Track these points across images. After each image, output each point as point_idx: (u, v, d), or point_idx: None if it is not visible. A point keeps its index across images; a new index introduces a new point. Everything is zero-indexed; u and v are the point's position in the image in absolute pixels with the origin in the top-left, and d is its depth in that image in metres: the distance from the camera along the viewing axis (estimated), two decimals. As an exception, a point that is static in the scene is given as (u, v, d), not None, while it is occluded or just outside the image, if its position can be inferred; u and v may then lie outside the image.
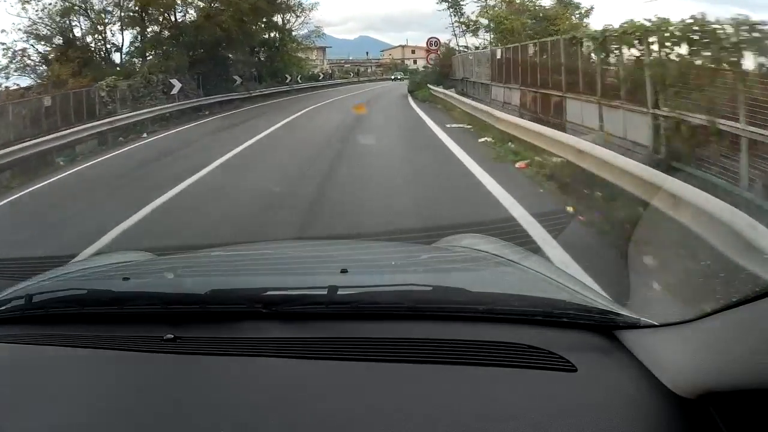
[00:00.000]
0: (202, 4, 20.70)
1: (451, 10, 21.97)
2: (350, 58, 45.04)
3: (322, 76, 32.36)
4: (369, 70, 43.24)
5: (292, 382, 0.87)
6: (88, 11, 18.59)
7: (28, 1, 17.24)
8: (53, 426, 0.82)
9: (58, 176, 8.88)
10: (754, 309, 0.66)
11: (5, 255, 3.88)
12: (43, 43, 18.10)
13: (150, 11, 19.63)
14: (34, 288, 1.29)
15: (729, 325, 0.71)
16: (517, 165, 6.61)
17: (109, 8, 18.86)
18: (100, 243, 4.45)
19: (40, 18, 17.61)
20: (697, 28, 5.73)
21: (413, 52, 45.10)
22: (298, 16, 27.82)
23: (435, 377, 0.85)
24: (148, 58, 19.63)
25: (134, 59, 19.89)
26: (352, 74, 39.77)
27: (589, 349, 0.90)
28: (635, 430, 0.75)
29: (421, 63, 46.90)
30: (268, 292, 1.05)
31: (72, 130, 11.76)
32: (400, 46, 48.09)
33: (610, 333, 0.93)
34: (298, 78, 27.18)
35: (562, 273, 1.22)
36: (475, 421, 0.75)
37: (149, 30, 20.17)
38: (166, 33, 20.44)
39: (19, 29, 18.13)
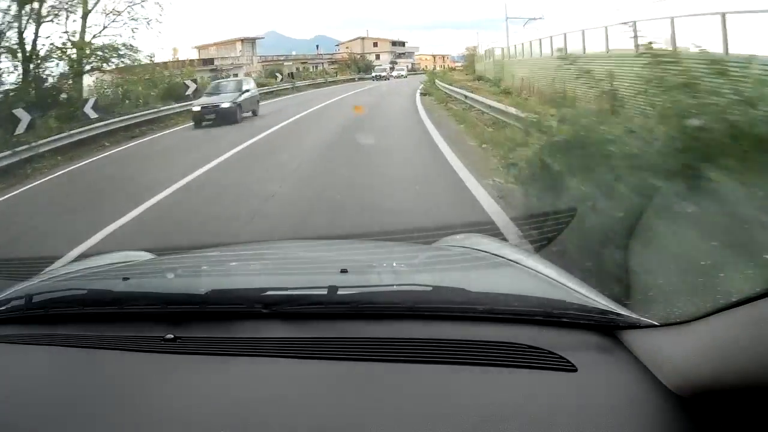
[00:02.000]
0: None
1: None
2: (294, 53, 33.19)
3: (193, 88, 16.30)
4: (319, 68, 31.93)
5: (292, 382, 0.87)
6: None
7: None
8: (53, 425, 0.82)
9: None
10: (754, 309, 0.66)
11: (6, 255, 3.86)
12: None
13: None
14: (34, 288, 1.29)
15: (729, 325, 0.71)
16: None
17: None
18: None
19: None
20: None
21: (375, 45, 37.75)
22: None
23: (435, 377, 0.85)
24: None
25: None
26: (280, 78, 24.26)
27: (589, 349, 0.90)
28: (635, 430, 0.75)
29: (384, 58, 36.54)
30: (268, 292, 1.05)
31: None
32: (358, 38, 38.49)
33: (610, 333, 0.93)
34: (91, 106, 11.97)
35: (563, 273, 1.22)
36: (475, 421, 0.75)
37: None
38: None
39: None
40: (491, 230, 3.33)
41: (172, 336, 0.99)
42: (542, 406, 0.78)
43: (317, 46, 36.72)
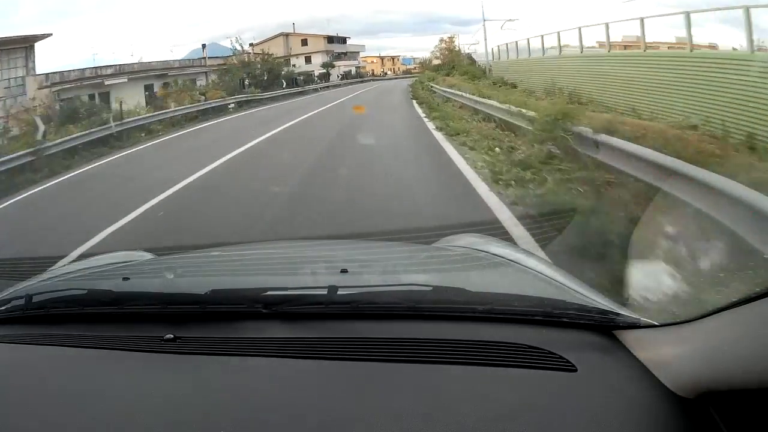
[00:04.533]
0: None
1: None
2: (154, 63, 19.78)
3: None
4: (202, 82, 19.73)
5: (292, 382, 0.87)
6: None
7: None
8: (53, 426, 0.82)
9: None
10: (754, 309, 0.66)
11: (7, 254, 3.87)
12: None
13: None
14: (34, 288, 1.29)
15: (729, 325, 0.71)
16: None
17: None
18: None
19: None
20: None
21: (305, 43, 26.18)
22: None
23: (435, 377, 0.85)
24: None
25: None
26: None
27: (589, 349, 0.90)
28: (635, 430, 0.75)
29: (317, 60, 26.17)
30: (268, 292, 1.05)
31: None
32: (281, 34, 26.10)
33: (610, 333, 0.93)
34: None
35: (562, 273, 1.22)
36: (475, 421, 0.75)
37: None
38: None
39: None
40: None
41: (172, 336, 0.99)
42: (542, 406, 0.78)
43: (203, 46, 23.20)
